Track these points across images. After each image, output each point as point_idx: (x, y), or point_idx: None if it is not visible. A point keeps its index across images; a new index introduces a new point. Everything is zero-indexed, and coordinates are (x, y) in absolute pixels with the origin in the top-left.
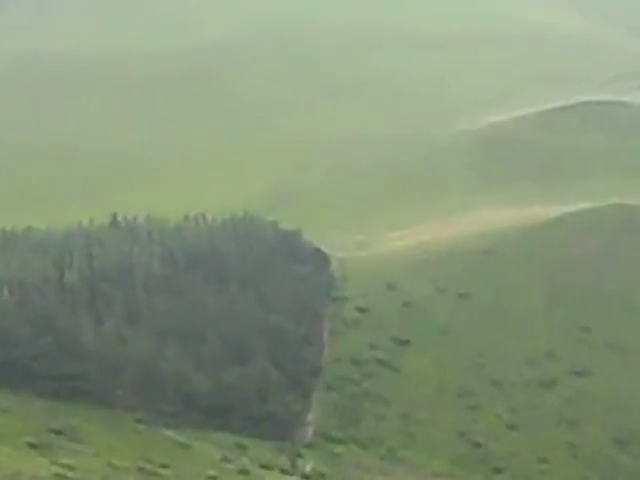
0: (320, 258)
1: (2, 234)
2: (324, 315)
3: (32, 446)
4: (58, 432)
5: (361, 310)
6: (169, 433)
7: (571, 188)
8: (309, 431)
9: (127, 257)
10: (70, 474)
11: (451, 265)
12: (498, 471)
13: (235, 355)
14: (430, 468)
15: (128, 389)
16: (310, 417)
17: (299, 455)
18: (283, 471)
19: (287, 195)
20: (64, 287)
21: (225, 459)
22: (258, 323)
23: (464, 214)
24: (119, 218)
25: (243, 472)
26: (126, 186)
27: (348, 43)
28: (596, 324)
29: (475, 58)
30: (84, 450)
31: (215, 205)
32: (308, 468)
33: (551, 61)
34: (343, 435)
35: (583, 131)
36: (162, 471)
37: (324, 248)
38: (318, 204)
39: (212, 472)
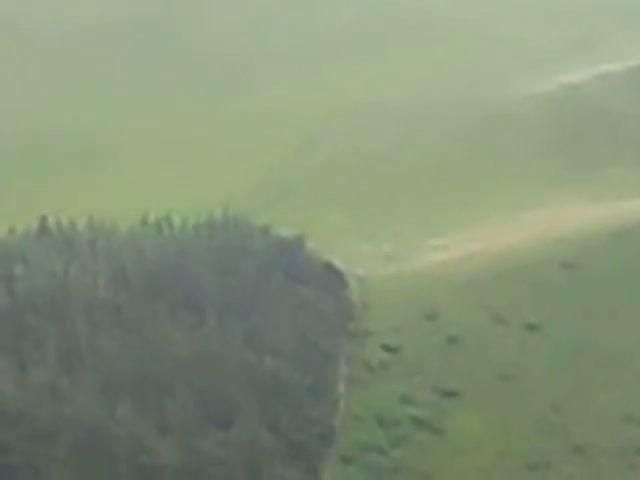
0: (332, 277)
1: None
2: (338, 357)
3: None
4: None
5: (390, 349)
6: None
7: None
8: None
9: (62, 279)
10: None
11: (515, 285)
12: None
13: (214, 415)
14: None
15: (65, 463)
16: None
17: None
18: None
19: (283, 188)
20: None
21: None
22: (246, 370)
23: (532, 212)
24: (50, 223)
25: None
26: (59, 179)
27: None
28: None
29: None
30: None
31: (184, 204)
32: None
33: None
34: None
35: None
36: None
37: (337, 262)
38: (327, 200)
39: None
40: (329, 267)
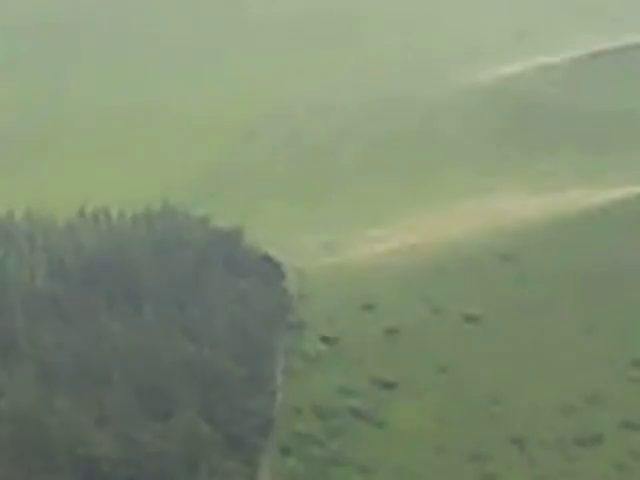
0: (270, 268)
1: None
2: (276, 349)
3: None
4: None
5: (328, 341)
6: None
7: (619, 167)
8: None
9: None
10: None
11: (453, 277)
12: None
13: (152, 406)
14: None
15: (3, 454)
16: None
17: None
18: None
19: (222, 180)
20: None
21: None
22: (183, 360)
23: (471, 203)
24: None
25: None
26: None
27: None
28: None
29: None
30: None
31: (122, 195)
32: None
33: None
34: None
35: (637, 85)
36: None
37: (275, 254)
38: (266, 191)
39: None
40: (267, 259)
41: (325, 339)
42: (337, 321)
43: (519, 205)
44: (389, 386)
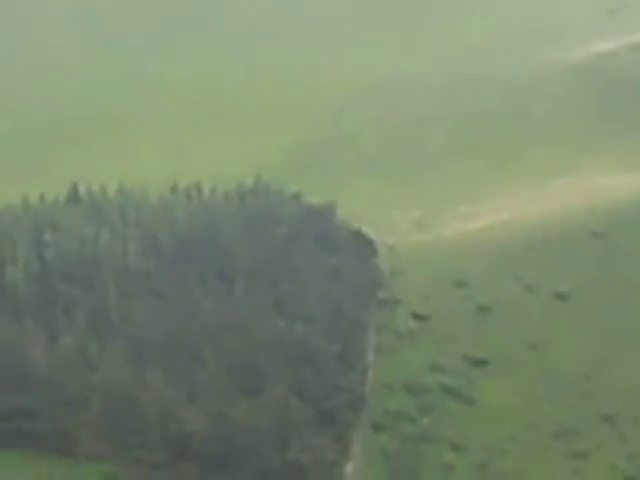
0: (362, 245)
1: None
2: (368, 325)
3: None
4: None
5: (420, 318)
6: None
7: None
8: None
9: (92, 245)
10: None
11: (545, 254)
12: None
13: (243, 382)
14: None
15: (94, 430)
16: (349, 469)
17: None
18: None
19: (313, 157)
20: (4, 288)
21: None
22: (275, 337)
23: (563, 181)
24: (81, 191)
25: None
26: (88, 147)
27: None
28: None
29: None
30: None
31: (214, 172)
32: None
33: None
34: None
35: None
36: None
37: (367, 230)
38: (357, 168)
39: None
40: (359, 235)
41: (416, 316)
42: (429, 298)
43: (610, 183)
44: (480, 363)
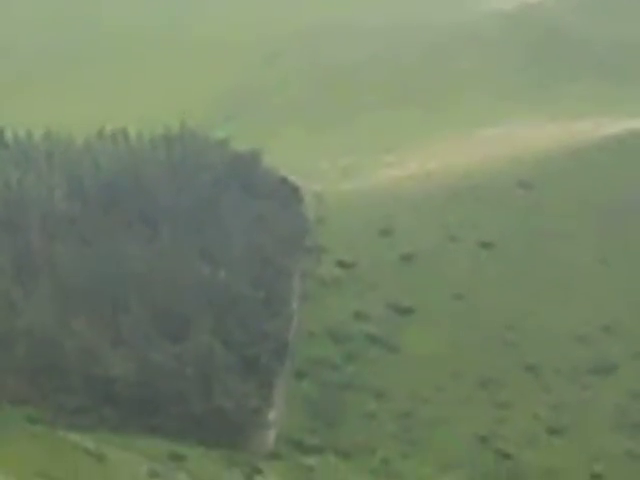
0: (288, 192)
1: None
2: (293, 272)
3: None
4: None
5: (345, 265)
6: (75, 437)
7: (637, 98)
8: (271, 435)
9: (17, 190)
10: None
11: (471, 203)
12: None
13: (167, 328)
14: None
15: (17, 374)
16: (272, 416)
17: (257, 469)
18: None
19: (241, 103)
20: None
21: (154, 475)
22: (199, 283)
23: (490, 130)
24: (6, 134)
25: None
26: (14, 90)
27: None
28: None
29: None
30: None
31: (140, 117)
32: None
33: None
34: (318, 441)
35: None
36: None
37: (294, 177)
38: (285, 115)
39: None
40: (285, 182)
41: (342, 264)
42: (354, 246)
43: (537, 134)
44: (405, 311)
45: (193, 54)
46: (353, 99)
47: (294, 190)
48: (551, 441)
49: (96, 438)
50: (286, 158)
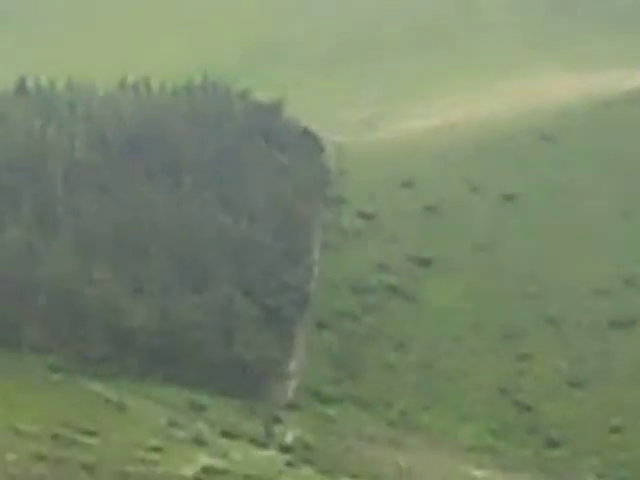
0: (309, 143)
1: None
2: (314, 223)
3: None
4: None
5: (366, 216)
6: (96, 387)
7: None
8: (290, 386)
9: (39, 138)
10: None
11: (493, 156)
12: (553, 444)
13: (188, 278)
14: (458, 439)
15: (39, 323)
16: (293, 366)
17: (276, 419)
18: (253, 441)
19: (264, 55)
20: None
21: (173, 424)
22: (221, 233)
23: (511, 83)
24: (28, 83)
25: (198, 442)
26: (38, 39)
27: None
28: None
29: None
30: None
31: (163, 68)
32: (289, 438)
33: None
34: (338, 392)
35: None
36: (86, 439)
37: (315, 128)
38: (306, 66)
39: (155, 442)
40: (307, 133)
41: (363, 215)
42: (375, 197)
43: (561, 85)
44: (425, 263)
45: (217, 5)
46: (376, 50)
47: (316, 141)
48: (571, 394)
49: (117, 387)
50: (308, 109)
